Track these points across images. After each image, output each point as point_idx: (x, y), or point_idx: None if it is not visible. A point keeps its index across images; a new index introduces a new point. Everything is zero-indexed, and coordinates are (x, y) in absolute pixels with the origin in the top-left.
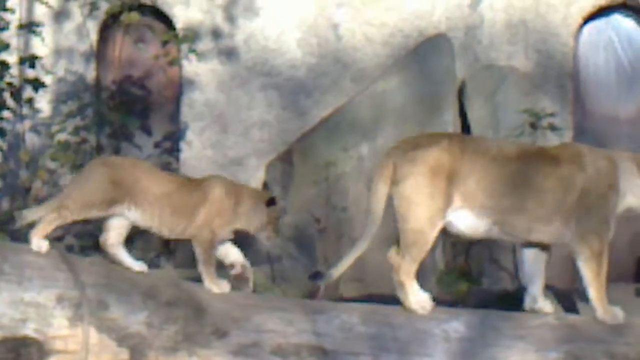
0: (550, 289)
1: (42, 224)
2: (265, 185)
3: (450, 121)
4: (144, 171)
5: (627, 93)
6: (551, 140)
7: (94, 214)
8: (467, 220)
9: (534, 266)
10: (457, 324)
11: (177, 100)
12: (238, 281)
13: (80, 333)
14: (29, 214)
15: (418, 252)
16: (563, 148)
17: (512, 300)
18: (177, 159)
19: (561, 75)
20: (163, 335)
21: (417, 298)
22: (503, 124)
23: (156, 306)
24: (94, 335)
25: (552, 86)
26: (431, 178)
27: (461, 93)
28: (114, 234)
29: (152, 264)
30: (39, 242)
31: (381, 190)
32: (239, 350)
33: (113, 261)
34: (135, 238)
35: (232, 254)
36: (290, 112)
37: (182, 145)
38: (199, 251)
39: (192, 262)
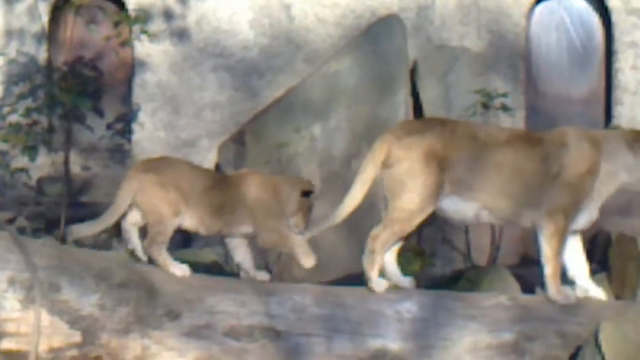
0: (504, 266)
1: (160, 259)
2: (218, 167)
3: (402, 101)
4: (183, 169)
5: (579, 73)
6: (503, 120)
7: (175, 223)
8: (456, 206)
9: (574, 256)
10: (409, 305)
11: (129, 81)
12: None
13: (32, 315)
14: (81, 230)
15: (400, 229)
16: (550, 131)
17: (464, 281)
18: (129, 140)
19: (513, 56)
20: (115, 317)
21: (378, 275)
22: (455, 104)
23: (108, 288)
24: (45, 317)
25: (504, 66)
26: (425, 164)
27: (413, 73)
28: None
29: (104, 246)
30: (179, 267)
31: (369, 173)
32: (192, 332)
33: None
34: (87, 219)
35: (239, 254)
36: (243, 93)
37: (134, 126)
38: (281, 249)
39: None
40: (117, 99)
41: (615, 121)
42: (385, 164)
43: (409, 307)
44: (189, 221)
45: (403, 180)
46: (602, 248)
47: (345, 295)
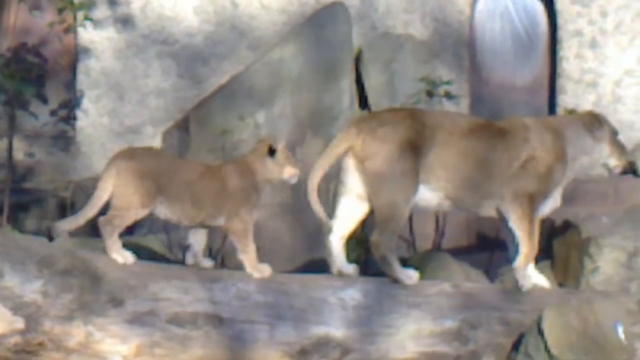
0: (448, 254)
1: (109, 241)
2: None
3: (347, 89)
4: (167, 161)
5: (523, 61)
6: (447, 108)
7: (141, 214)
8: (421, 194)
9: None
10: (353, 292)
11: (73, 68)
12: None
13: None
14: (64, 225)
15: (395, 225)
16: (510, 122)
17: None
18: (73, 127)
19: (457, 44)
20: (58, 304)
21: (403, 270)
22: (400, 92)
23: (51, 275)
24: None
25: (448, 54)
26: (401, 155)
27: (358, 61)
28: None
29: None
30: (121, 254)
31: (340, 148)
32: (135, 319)
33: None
34: (30, 205)
35: (194, 237)
36: (187, 80)
37: (79, 113)
38: (235, 241)
39: (88, 230)
40: (61, 85)
41: (559, 109)
42: (360, 158)
43: (353, 295)
44: (169, 213)
45: (380, 174)
46: (546, 236)
47: (289, 282)
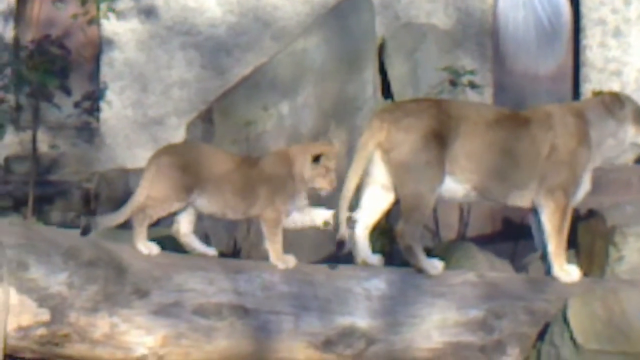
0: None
1: (137, 229)
2: None
3: (370, 79)
4: (206, 154)
5: (546, 50)
6: (471, 98)
7: (175, 207)
8: (447, 185)
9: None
10: (378, 282)
11: (96, 59)
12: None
13: (1, 294)
14: (104, 221)
15: (420, 215)
16: (534, 111)
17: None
18: (97, 118)
19: (480, 33)
20: (84, 296)
21: (428, 260)
22: (423, 82)
23: (77, 266)
24: (14, 296)
25: (471, 44)
26: (426, 145)
27: (381, 51)
28: (185, 224)
29: (72, 224)
30: (146, 245)
31: (368, 150)
32: (160, 310)
33: (186, 249)
34: (55, 197)
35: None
36: (210, 71)
37: (102, 104)
38: (264, 230)
39: None
40: (84, 77)
41: (583, 98)
42: (385, 148)
43: (378, 285)
44: (210, 206)
45: (407, 164)
46: (571, 225)
47: (314, 273)
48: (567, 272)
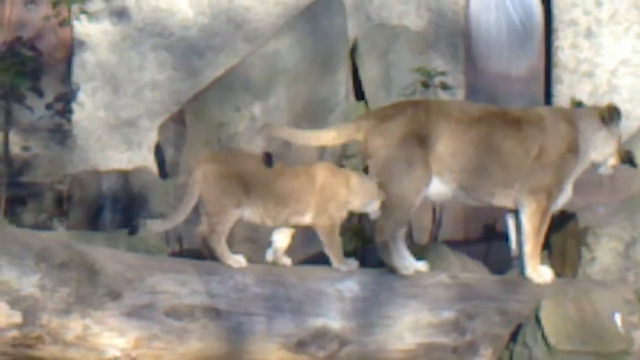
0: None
1: (219, 249)
2: (158, 147)
3: (342, 80)
4: (248, 162)
5: (518, 52)
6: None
7: (237, 214)
8: (434, 186)
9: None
10: (350, 283)
11: (68, 61)
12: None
13: None
14: (154, 226)
15: (402, 215)
16: (525, 111)
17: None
18: (69, 120)
19: (453, 34)
20: (56, 298)
21: (401, 259)
22: (395, 83)
23: (49, 268)
24: None
25: (443, 45)
26: (404, 147)
27: (353, 52)
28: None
29: (44, 226)
30: (235, 259)
31: (326, 139)
32: (133, 312)
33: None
34: (27, 199)
35: (278, 236)
36: (183, 72)
37: (74, 106)
38: (322, 237)
39: (85, 224)
40: (56, 78)
41: (555, 100)
42: (365, 154)
43: (350, 286)
44: (251, 213)
45: (387, 168)
46: None
47: (286, 274)
48: (539, 273)
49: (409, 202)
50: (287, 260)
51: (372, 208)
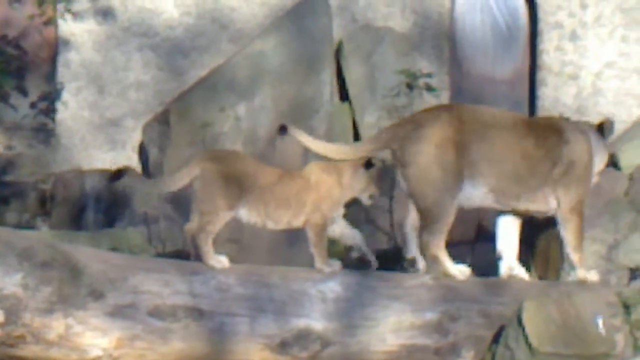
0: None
1: (204, 249)
2: (142, 147)
3: (327, 81)
4: (249, 164)
5: (503, 54)
6: (427, 101)
7: (228, 216)
8: (465, 190)
9: (508, 235)
10: (333, 284)
11: (53, 60)
12: (360, 264)
13: None
14: (146, 185)
15: (443, 224)
16: (546, 120)
17: (389, 261)
18: (54, 119)
19: (438, 36)
20: (38, 297)
21: (454, 266)
22: (380, 85)
23: (31, 267)
24: None
25: (428, 47)
26: (440, 154)
27: (338, 53)
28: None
29: (28, 225)
30: (217, 259)
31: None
32: (116, 312)
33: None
34: (11, 198)
35: (349, 237)
36: (167, 72)
37: (59, 105)
38: (311, 235)
39: (68, 223)
40: (41, 77)
41: (540, 102)
42: (401, 162)
43: (333, 287)
44: (252, 216)
45: (422, 176)
46: (527, 229)
47: (269, 274)
48: (588, 275)
49: (447, 211)
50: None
51: (364, 197)
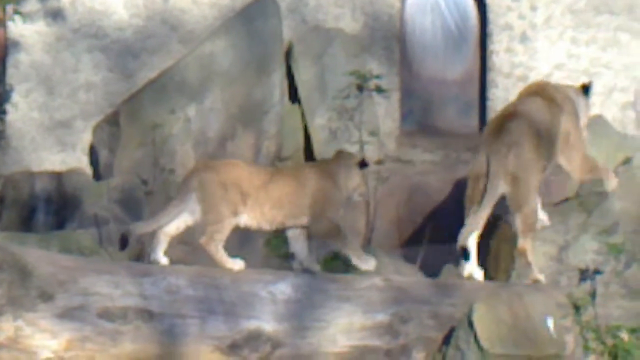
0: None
1: (217, 256)
2: (92, 148)
3: (277, 83)
4: (243, 169)
5: (453, 55)
6: (377, 102)
7: (234, 222)
8: None
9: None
10: (283, 286)
11: (2, 62)
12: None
13: None
14: (138, 228)
15: (534, 229)
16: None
17: (339, 262)
18: (3, 121)
19: (388, 37)
20: None
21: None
22: (330, 86)
23: None
24: None
25: (379, 48)
26: (536, 147)
27: (288, 55)
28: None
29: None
30: (234, 262)
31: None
32: (65, 313)
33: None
34: None
35: (296, 247)
36: (117, 74)
37: (8, 107)
38: (330, 243)
39: (18, 225)
40: None
41: (490, 103)
42: (512, 173)
43: (283, 289)
44: (247, 219)
45: (527, 182)
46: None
47: (219, 276)
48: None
49: (536, 214)
50: (316, 266)
51: (355, 195)
